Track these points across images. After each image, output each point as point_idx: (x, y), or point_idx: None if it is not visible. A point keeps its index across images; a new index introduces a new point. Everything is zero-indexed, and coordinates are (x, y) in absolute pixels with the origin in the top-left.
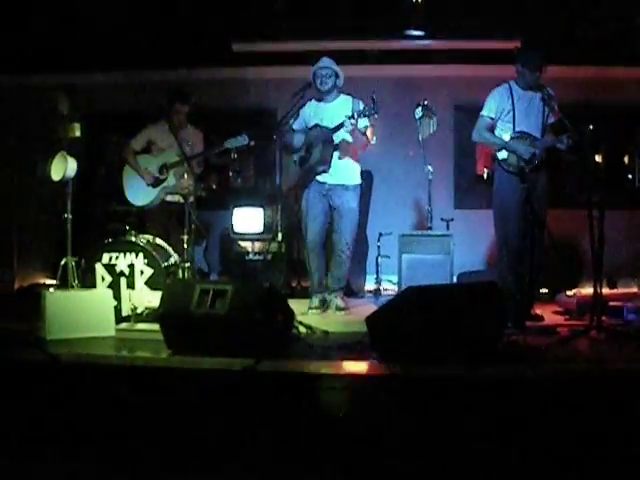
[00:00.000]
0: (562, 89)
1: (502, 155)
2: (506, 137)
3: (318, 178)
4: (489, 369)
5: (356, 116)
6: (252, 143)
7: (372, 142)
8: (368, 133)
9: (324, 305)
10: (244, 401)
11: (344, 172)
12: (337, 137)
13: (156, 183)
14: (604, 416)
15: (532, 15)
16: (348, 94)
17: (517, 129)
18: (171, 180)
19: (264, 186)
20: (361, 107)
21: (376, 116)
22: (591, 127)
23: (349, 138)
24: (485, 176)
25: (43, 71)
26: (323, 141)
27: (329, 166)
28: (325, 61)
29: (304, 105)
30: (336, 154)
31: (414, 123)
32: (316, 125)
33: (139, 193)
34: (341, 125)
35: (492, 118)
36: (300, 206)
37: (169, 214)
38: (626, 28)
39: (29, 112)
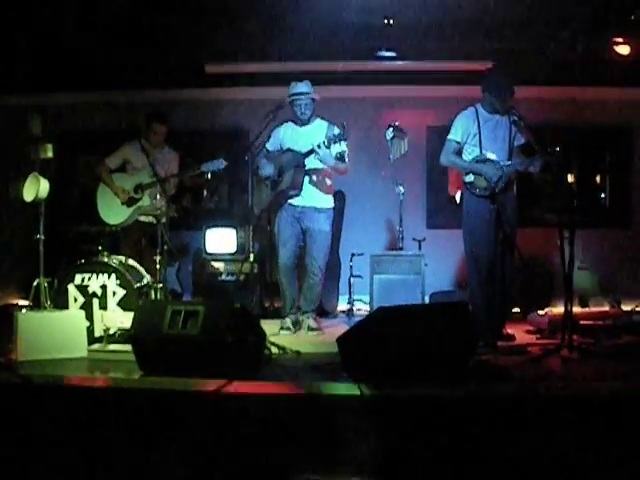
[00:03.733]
0: (532, 110)
1: (469, 178)
2: (488, 155)
3: (290, 201)
4: (460, 389)
5: (326, 143)
6: (225, 163)
7: (339, 152)
8: (346, 157)
9: (296, 326)
10: (216, 422)
11: (316, 195)
12: (309, 163)
13: (130, 202)
14: (575, 434)
15: (502, 36)
16: (323, 118)
17: (483, 152)
18: (145, 200)
19: (237, 207)
20: (335, 133)
21: (345, 142)
22: (558, 149)
23: (319, 165)
24: (458, 198)
25: (14, 92)
26: (295, 166)
27: (300, 190)
28: (301, 87)
29: (279, 126)
30: (307, 179)
31: (385, 143)
32: (288, 149)
33: (112, 212)
34: (311, 152)
35: (458, 142)
36: (272, 228)
37: (142, 234)
38: (595, 49)
39: (0, 133)
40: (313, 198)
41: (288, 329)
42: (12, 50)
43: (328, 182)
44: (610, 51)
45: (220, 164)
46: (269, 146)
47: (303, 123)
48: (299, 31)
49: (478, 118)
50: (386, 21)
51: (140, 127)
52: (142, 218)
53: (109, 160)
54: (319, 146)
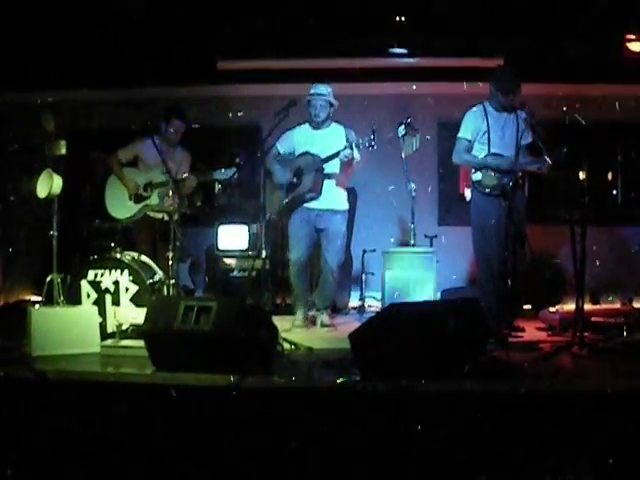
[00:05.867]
0: (544, 106)
1: (477, 177)
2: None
3: (306, 205)
4: (472, 385)
5: (354, 146)
6: (237, 160)
7: (356, 159)
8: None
9: (307, 321)
10: (228, 418)
11: (332, 198)
12: (327, 167)
13: (138, 199)
14: (587, 431)
15: (514, 33)
16: (340, 123)
17: (492, 150)
18: (154, 199)
19: (249, 203)
20: (354, 137)
21: (375, 147)
22: (565, 149)
23: (337, 169)
24: (467, 195)
25: (28, 89)
26: (315, 169)
27: (319, 194)
28: (319, 88)
29: (292, 128)
30: (326, 182)
31: (397, 140)
32: (306, 152)
33: (120, 206)
34: (336, 154)
35: (469, 140)
36: (285, 225)
37: (154, 230)
38: (606, 45)
39: (14, 129)
40: (331, 200)
41: (300, 326)
42: (25, 48)
43: (344, 185)
44: (622, 48)
45: (232, 172)
46: (280, 148)
47: (317, 126)
48: (311, 28)
49: (487, 115)
50: (398, 18)
51: (155, 124)
52: (152, 214)
53: (121, 152)
54: (347, 148)
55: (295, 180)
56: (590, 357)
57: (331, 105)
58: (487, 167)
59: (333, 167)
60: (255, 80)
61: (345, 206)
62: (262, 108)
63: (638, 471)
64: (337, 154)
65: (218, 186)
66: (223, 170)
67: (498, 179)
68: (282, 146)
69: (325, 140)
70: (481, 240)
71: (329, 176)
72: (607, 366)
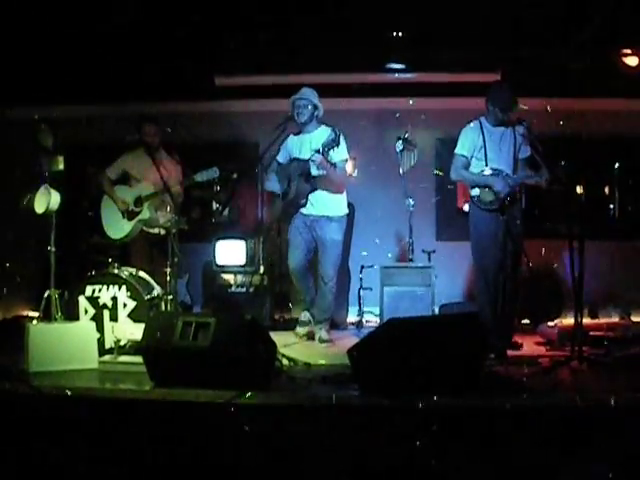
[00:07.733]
0: (541, 121)
1: (475, 192)
2: (486, 171)
3: (302, 210)
4: (471, 400)
5: (321, 150)
6: (235, 176)
7: (353, 175)
8: (348, 166)
9: (311, 323)
10: (227, 433)
11: (328, 203)
12: (312, 170)
13: (131, 216)
14: (585, 446)
15: (511, 48)
16: (329, 126)
17: (489, 165)
18: (146, 213)
19: (247, 219)
20: (329, 140)
21: (336, 148)
22: (563, 162)
23: (317, 172)
24: (467, 210)
25: (25, 104)
26: (299, 175)
27: (306, 200)
28: (303, 91)
29: (286, 138)
30: (317, 186)
31: (395, 155)
32: (294, 159)
33: (115, 226)
34: (308, 160)
35: (466, 156)
36: (283, 240)
37: (150, 245)
38: (602, 59)
39: (11, 145)
40: (325, 206)
41: (305, 324)
42: (22, 63)
43: (341, 189)
44: (619, 62)
45: (214, 173)
46: (280, 159)
47: (305, 129)
48: (309, 44)
49: (483, 131)
50: (395, 33)
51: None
52: (148, 229)
53: (109, 170)
54: (317, 151)
55: (287, 187)
56: (589, 371)
57: (315, 107)
58: (482, 185)
59: (313, 173)
60: (253, 96)
61: (342, 212)
62: (260, 123)
63: None
64: (308, 160)
65: (215, 204)
66: (204, 172)
67: (496, 194)
68: (280, 157)
69: (313, 143)
70: (479, 254)
71: (316, 180)
72: (606, 380)
